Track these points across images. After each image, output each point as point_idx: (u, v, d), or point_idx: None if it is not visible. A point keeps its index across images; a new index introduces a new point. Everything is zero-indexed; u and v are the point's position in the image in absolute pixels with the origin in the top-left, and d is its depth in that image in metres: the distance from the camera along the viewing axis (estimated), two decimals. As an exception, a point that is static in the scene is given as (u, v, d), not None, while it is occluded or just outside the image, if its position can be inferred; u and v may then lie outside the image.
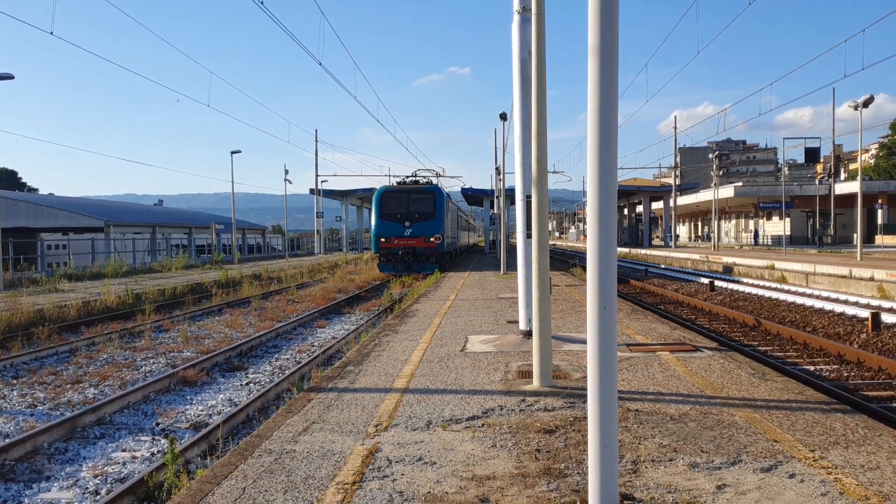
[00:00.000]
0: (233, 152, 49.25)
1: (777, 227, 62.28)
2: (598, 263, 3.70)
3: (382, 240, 30.57)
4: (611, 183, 3.69)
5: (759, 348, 12.61)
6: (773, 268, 29.08)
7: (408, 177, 33.88)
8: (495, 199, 43.47)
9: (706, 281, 25.70)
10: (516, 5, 9.27)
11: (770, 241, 64.34)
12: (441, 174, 36.60)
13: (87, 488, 6.11)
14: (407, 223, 30.51)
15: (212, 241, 54.53)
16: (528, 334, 9.55)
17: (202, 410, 8.79)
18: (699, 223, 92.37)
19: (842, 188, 56.77)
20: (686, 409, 6.26)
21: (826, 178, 62.78)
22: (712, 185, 59.77)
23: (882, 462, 4.82)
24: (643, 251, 54.12)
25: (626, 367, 8.11)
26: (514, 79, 9.54)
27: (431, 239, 30.32)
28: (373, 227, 31.22)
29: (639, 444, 5.31)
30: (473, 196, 62.88)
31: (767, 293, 21.34)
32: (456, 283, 22.68)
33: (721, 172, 59.61)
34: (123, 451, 7.17)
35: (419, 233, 30.43)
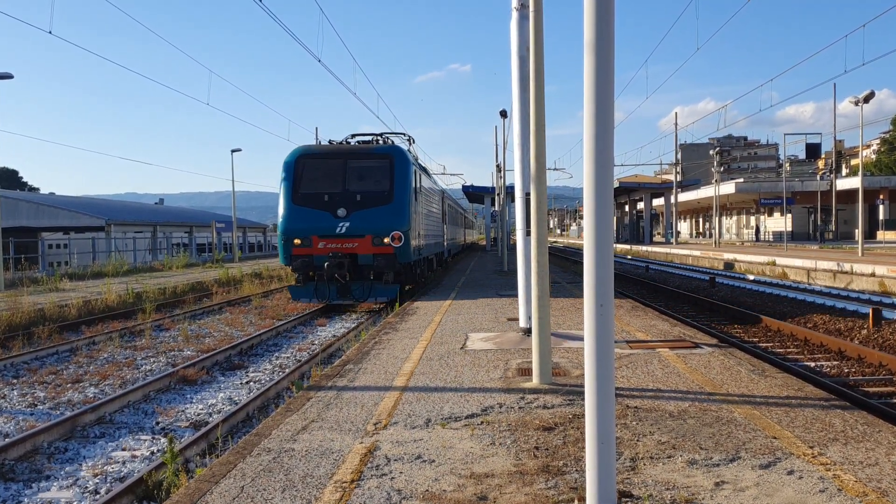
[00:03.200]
0: (233, 151, 49.25)
1: (778, 223, 62.24)
2: (595, 261, 3.69)
3: (296, 242, 17.20)
4: (607, 180, 3.68)
5: (760, 345, 12.60)
6: (774, 264, 29.06)
7: (355, 135, 20.11)
8: (496, 197, 43.48)
9: (707, 277, 25.69)
10: (514, 2, 9.26)
11: (771, 237, 64.31)
12: (413, 141, 22.45)
13: (86, 487, 6.11)
14: (340, 211, 17.15)
15: (212, 240, 54.58)
16: (528, 332, 9.55)
17: (202, 409, 8.79)
18: (700, 220, 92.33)
19: (843, 184, 56.70)
20: (685, 406, 6.26)
21: (827, 173, 62.72)
22: (713, 181, 59.74)
23: (881, 458, 4.82)
24: (644, 248, 54.09)
25: (626, 364, 8.11)
26: (512, 76, 9.53)
27: (385, 239, 17.05)
28: (280, 217, 17.61)
29: (637, 441, 5.31)
30: (474, 193, 62.82)
31: (768, 289, 21.33)
32: (454, 285, 22.64)
33: (722, 169, 59.58)
34: (123, 450, 7.18)
35: (362, 228, 17.13)
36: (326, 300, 17.53)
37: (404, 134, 22.48)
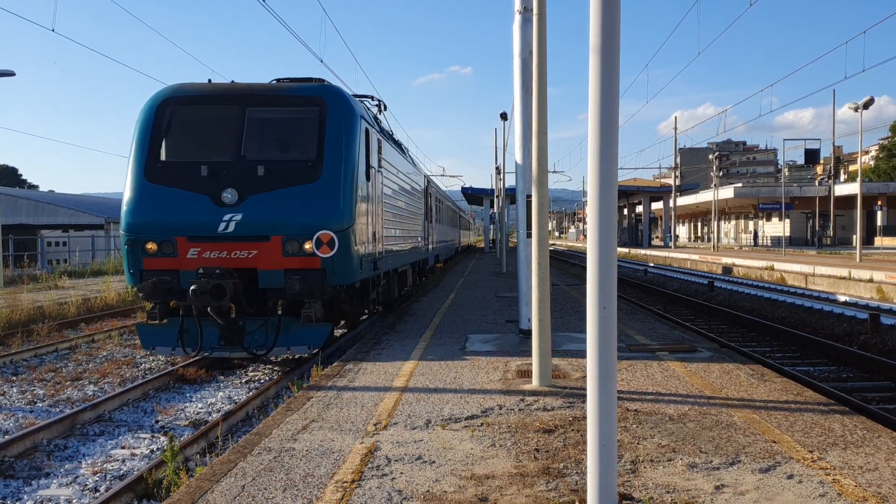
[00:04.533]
0: (233, 150, 49.09)
1: (777, 228, 62.30)
2: (598, 263, 3.71)
3: (149, 247, 9.92)
4: (611, 183, 3.70)
5: (759, 349, 12.63)
6: (772, 269, 29.10)
7: (281, 80, 11.96)
8: (495, 199, 43.51)
9: (706, 281, 25.71)
10: (518, 5, 9.29)
11: (769, 242, 64.37)
12: (385, 108, 15.47)
13: (86, 485, 6.12)
14: (228, 194, 9.89)
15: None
16: (528, 334, 9.56)
17: (202, 408, 8.79)
18: (699, 224, 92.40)
19: (841, 190, 56.79)
20: (685, 410, 6.27)
21: (826, 179, 62.82)
22: (712, 185, 59.81)
23: (880, 463, 4.83)
24: (643, 251, 54.15)
25: (626, 367, 8.12)
26: (514, 78, 9.56)
27: (307, 244, 9.80)
28: (123, 204, 10.25)
29: (638, 444, 5.32)
30: (473, 195, 62.94)
31: (767, 294, 21.35)
32: (453, 286, 22.65)
33: (721, 173, 59.73)
34: (123, 448, 7.18)
35: (266, 224, 9.86)
36: (198, 351, 10.13)
37: (372, 97, 14.70)
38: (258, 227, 9.78)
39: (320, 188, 10.01)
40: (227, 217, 9.78)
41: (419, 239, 19.63)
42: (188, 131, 10.65)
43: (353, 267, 10.31)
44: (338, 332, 12.83)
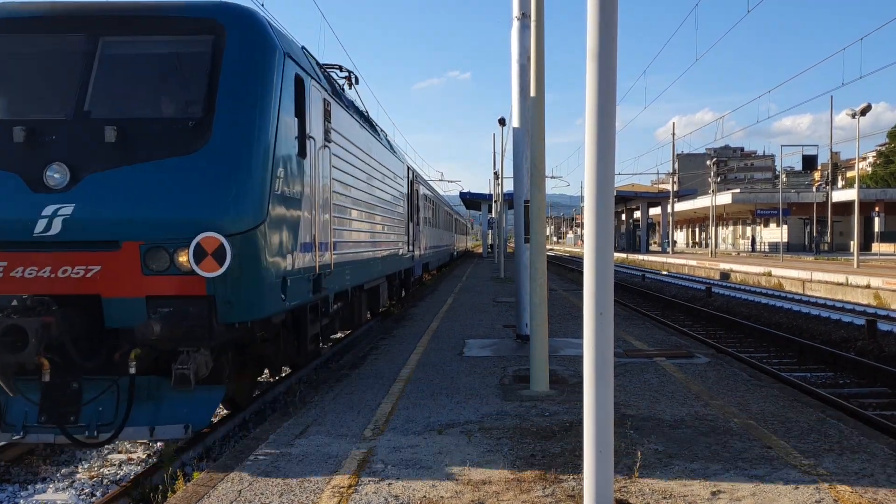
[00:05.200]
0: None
1: (774, 233, 62.40)
2: (595, 269, 3.72)
3: None
4: (608, 189, 3.71)
5: (756, 354, 12.63)
6: (769, 275, 29.14)
7: None
8: (494, 204, 43.56)
9: (703, 287, 25.74)
10: (516, 11, 9.33)
11: (767, 247, 64.46)
12: (357, 82, 12.10)
13: (82, 490, 6.11)
14: (54, 172, 5.91)
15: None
16: (526, 339, 9.57)
17: (198, 413, 8.76)
18: (697, 229, 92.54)
19: (839, 196, 56.92)
20: (682, 415, 6.28)
21: (823, 185, 62.99)
22: (710, 191, 59.90)
23: (876, 469, 4.84)
24: (640, 257, 54.19)
25: (623, 373, 8.13)
26: (512, 84, 9.60)
27: (181, 256, 5.85)
28: None
29: (634, 449, 5.32)
30: (472, 200, 62.97)
31: (764, 300, 21.37)
32: (451, 291, 22.67)
33: (719, 179, 59.72)
34: (119, 452, 7.17)
35: (111, 222, 5.92)
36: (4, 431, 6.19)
37: (341, 67, 11.47)
38: (101, 227, 6.01)
39: (206, 161, 6.22)
40: (50, 210, 5.97)
41: (399, 245, 15.94)
42: (2, 74, 6.83)
43: (264, 290, 6.48)
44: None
